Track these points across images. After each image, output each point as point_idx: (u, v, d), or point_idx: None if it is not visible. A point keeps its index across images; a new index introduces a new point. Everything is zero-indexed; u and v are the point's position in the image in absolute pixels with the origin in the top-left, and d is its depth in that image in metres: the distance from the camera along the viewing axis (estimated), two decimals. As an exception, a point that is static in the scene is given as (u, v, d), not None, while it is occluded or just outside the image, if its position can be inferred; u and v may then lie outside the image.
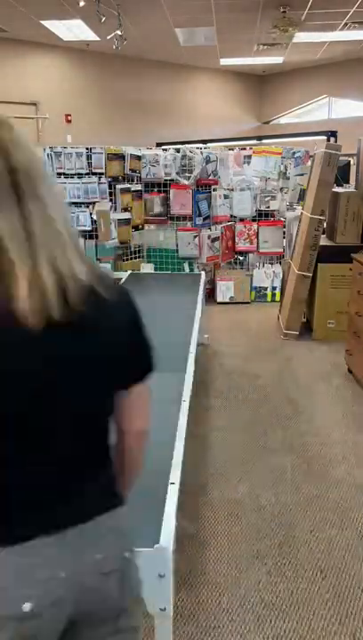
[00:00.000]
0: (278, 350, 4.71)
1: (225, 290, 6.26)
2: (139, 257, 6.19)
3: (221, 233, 6.31)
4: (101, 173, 5.69)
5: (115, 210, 5.80)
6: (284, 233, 6.40)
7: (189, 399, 2.21)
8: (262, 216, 6.46)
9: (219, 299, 6.27)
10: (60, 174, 5.77)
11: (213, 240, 6.27)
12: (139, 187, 6.03)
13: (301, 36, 9.27)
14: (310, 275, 4.85)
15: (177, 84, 12.44)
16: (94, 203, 5.73)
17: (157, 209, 6.17)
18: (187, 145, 7.17)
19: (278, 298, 6.33)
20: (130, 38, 9.52)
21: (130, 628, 1.03)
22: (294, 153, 6.41)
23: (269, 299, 6.40)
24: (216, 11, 8.10)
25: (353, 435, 3.22)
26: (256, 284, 6.41)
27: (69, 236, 0.91)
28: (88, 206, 5.74)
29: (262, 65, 12.34)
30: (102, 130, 11.30)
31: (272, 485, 2.70)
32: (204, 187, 6.25)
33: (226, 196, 6.38)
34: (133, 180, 5.96)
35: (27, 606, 0.90)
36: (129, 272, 4.87)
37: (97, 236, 5.78)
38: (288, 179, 6.43)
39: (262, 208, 6.44)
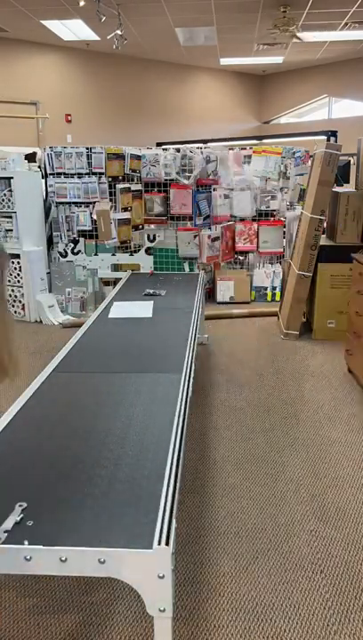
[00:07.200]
0: (278, 350, 4.72)
1: (225, 290, 6.27)
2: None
3: (221, 233, 6.31)
4: (101, 173, 5.70)
5: (115, 210, 5.81)
6: (284, 233, 6.40)
7: (188, 400, 2.21)
8: (262, 216, 6.46)
9: (219, 298, 6.27)
10: (60, 174, 5.78)
11: (214, 240, 6.27)
12: (139, 187, 6.04)
13: (301, 36, 9.27)
14: (310, 274, 4.85)
15: (177, 84, 12.45)
16: (94, 202, 5.74)
17: (157, 209, 6.17)
18: (187, 145, 7.18)
19: (278, 298, 6.34)
20: (130, 38, 9.53)
21: None
22: (294, 153, 6.42)
23: (269, 298, 6.41)
24: (216, 11, 8.11)
25: (353, 434, 3.22)
26: (256, 283, 6.42)
27: None
28: (88, 206, 5.76)
29: (262, 65, 12.35)
30: (102, 129, 11.33)
31: (272, 484, 2.70)
32: (204, 186, 6.26)
33: (226, 196, 6.38)
34: (133, 180, 5.96)
35: None
36: (129, 272, 4.87)
37: (97, 236, 5.79)
38: (288, 179, 6.43)
39: (262, 208, 6.45)
